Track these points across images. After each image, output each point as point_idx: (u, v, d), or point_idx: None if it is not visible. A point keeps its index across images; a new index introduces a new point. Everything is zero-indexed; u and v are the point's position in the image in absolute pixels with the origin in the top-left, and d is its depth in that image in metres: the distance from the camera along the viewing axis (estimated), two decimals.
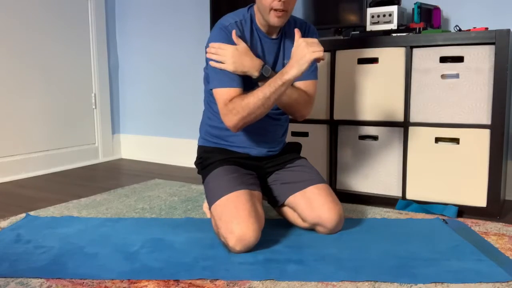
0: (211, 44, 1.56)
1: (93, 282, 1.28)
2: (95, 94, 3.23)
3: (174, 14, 3.07)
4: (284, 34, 1.66)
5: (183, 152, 3.05)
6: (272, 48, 1.64)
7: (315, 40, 1.47)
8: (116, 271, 1.35)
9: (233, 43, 1.54)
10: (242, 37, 1.58)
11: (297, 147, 1.86)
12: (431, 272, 1.32)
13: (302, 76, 1.52)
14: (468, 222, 1.79)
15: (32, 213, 1.95)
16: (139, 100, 3.33)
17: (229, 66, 1.52)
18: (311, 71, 1.63)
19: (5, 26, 2.68)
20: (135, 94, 3.34)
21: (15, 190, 2.46)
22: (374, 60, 2.07)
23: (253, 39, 1.61)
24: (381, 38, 2.05)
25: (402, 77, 2.01)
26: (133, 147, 3.38)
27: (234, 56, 1.52)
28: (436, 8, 2.14)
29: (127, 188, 2.41)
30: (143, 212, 1.97)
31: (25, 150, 2.82)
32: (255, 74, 1.54)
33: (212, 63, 1.55)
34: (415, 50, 1.98)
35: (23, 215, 1.92)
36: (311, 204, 1.61)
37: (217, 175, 1.62)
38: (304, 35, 1.64)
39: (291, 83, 1.49)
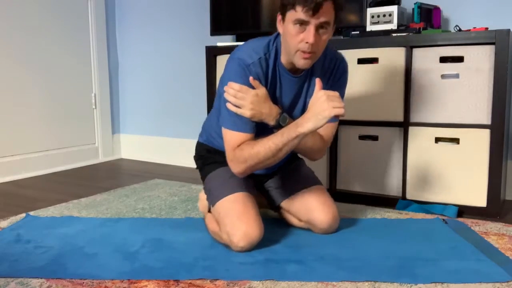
0: (230, 84, 1.44)
1: (93, 282, 1.28)
2: (95, 94, 3.23)
3: (174, 14, 3.07)
4: (311, 71, 1.52)
5: (183, 152, 3.05)
6: (292, 86, 1.52)
7: (336, 94, 1.35)
8: (116, 271, 1.35)
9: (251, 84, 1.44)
10: (263, 74, 1.46)
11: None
12: (431, 272, 1.32)
13: None
14: (468, 222, 1.79)
15: (32, 213, 1.95)
16: (139, 100, 3.33)
17: (246, 112, 1.42)
18: None
19: (5, 26, 2.68)
20: (135, 94, 3.34)
21: (15, 190, 2.46)
22: (374, 60, 2.07)
23: (277, 76, 1.49)
24: (381, 38, 2.05)
25: (402, 77, 2.01)
26: (133, 147, 3.38)
27: (253, 103, 1.41)
28: (436, 8, 2.14)
29: (127, 188, 2.41)
30: (143, 212, 1.97)
31: (25, 150, 2.82)
32: (271, 122, 1.46)
33: (228, 105, 1.44)
34: (415, 50, 1.98)
35: (23, 215, 1.92)
36: (304, 207, 1.62)
37: (221, 173, 1.60)
38: (332, 71, 1.56)
39: (305, 136, 1.39)
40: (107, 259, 1.44)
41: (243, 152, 1.42)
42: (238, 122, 1.44)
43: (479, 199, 1.90)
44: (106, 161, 3.30)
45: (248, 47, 1.48)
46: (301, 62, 1.40)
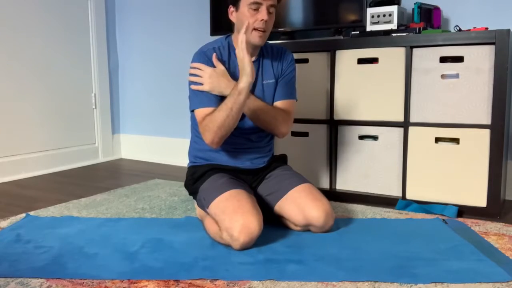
0: (191, 65, 1.67)
1: (93, 282, 1.28)
2: (95, 94, 3.23)
3: (174, 14, 3.07)
4: (262, 56, 1.75)
5: (183, 152, 3.03)
6: None
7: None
8: (116, 271, 1.35)
9: (212, 66, 1.65)
10: (220, 60, 1.67)
11: (282, 158, 1.88)
12: (431, 272, 1.32)
13: (282, 95, 1.73)
14: (468, 222, 1.79)
15: (32, 213, 1.95)
16: (139, 100, 3.33)
17: (206, 86, 1.62)
18: (290, 92, 1.76)
19: (5, 26, 2.68)
20: (135, 94, 3.34)
21: (15, 190, 2.46)
22: (374, 60, 2.07)
23: (230, 62, 1.70)
24: (381, 38, 2.05)
25: (402, 77, 2.01)
26: (133, 147, 3.38)
27: (211, 77, 1.62)
28: (436, 8, 2.14)
29: (127, 188, 2.41)
30: (143, 212, 1.97)
31: (25, 150, 2.82)
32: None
33: (192, 86, 1.65)
34: (415, 50, 1.98)
35: (23, 215, 1.92)
36: (294, 209, 1.63)
37: (212, 179, 1.66)
38: (281, 56, 1.78)
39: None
40: (107, 259, 1.44)
41: (207, 121, 1.59)
42: (203, 99, 1.63)
43: (479, 199, 1.90)
44: (106, 161, 3.30)
45: (204, 45, 1.74)
46: (256, 39, 1.63)
